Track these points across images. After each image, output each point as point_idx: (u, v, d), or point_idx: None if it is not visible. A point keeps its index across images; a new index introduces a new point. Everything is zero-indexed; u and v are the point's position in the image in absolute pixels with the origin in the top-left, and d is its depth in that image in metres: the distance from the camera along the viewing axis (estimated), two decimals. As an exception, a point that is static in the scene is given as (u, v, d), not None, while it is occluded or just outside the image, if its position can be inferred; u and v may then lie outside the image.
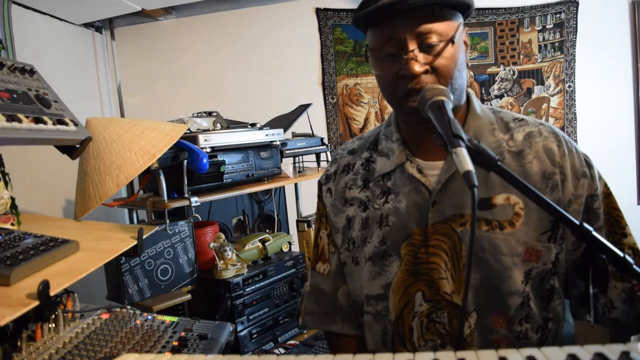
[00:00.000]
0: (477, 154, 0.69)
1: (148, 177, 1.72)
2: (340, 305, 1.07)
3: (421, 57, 0.84)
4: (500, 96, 2.82)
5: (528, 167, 0.89)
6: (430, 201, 0.90)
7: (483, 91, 2.83)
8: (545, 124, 0.94)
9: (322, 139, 2.31)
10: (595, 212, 0.89)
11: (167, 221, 1.67)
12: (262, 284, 1.82)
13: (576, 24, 2.72)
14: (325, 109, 2.96)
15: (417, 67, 0.84)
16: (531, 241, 0.86)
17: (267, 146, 1.97)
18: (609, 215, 0.90)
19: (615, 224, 0.89)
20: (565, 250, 0.89)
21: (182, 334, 1.12)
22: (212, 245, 1.79)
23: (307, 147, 2.25)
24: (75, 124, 1.10)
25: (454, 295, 0.88)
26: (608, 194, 0.91)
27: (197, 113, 1.90)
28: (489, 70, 2.82)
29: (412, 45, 0.84)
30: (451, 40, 0.84)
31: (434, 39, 0.84)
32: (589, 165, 0.90)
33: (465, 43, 0.90)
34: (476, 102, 0.96)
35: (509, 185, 0.75)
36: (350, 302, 1.05)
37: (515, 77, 2.81)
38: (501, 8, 2.78)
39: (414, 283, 0.92)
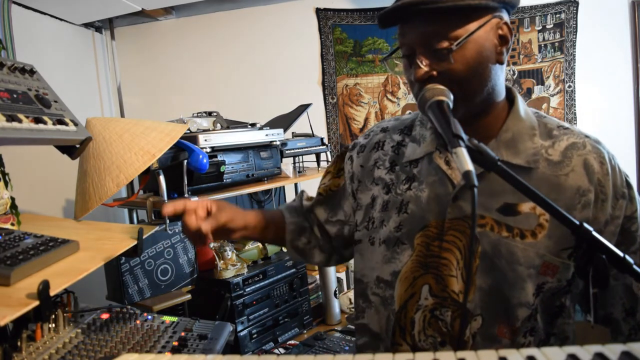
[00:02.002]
0: (477, 154, 0.69)
1: (148, 177, 1.72)
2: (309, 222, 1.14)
3: (428, 62, 0.83)
4: (500, 96, 2.82)
5: (562, 179, 0.85)
6: (452, 196, 0.88)
7: (483, 91, 2.83)
8: (591, 137, 0.90)
9: (322, 139, 2.31)
10: (632, 234, 0.87)
11: (167, 221, 1.67)
12: (262, 284, 1.82)
13: (576, 24, 2.72)
14: (325, 109, 2.96)
15: (422, 74, 0.83)
16: (550, 255, 0.84)
17: (267, 146, 1.97)
18: None
19: None
20: None
21: (182, 334, 1.12)
22: (212, 245, 1.78)
23: (307, 147, 2.24)
24: (75, 124, 1.10)
25: (461, 295, 0.87)
26: None
27: (197, 113, 1.90)
28: (489, 70, 2.82)
29: (420, 50, 0.83)
30: (459, 44, 0.80)
31: (441, 43, 0.81)
32: (629, 185, 0.88)
33: (502, 38, 0.85)
34: (521, 104, 0.93)
35: None
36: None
37: (515, 77, 2.81)
38: (501, 8, 2.77)
39: (422, 275, 0.90)
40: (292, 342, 1.85)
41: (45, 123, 0.99)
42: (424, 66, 0.83)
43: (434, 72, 0.83)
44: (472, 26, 0.81)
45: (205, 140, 1.72)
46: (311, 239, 1.14)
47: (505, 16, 0.86)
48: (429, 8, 0.80)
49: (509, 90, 0.93)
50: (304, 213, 1.16)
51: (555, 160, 0.87)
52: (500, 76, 0.87)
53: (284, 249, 2.00)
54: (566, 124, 0.93)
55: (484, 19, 0.82)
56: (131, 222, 1.92)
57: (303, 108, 2.39)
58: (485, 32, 0.83)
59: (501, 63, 0.86)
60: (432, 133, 0.95)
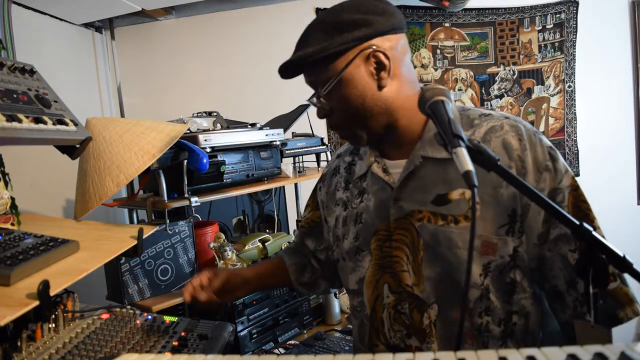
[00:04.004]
0: (477, 154, 0.70)
1: (148, 177, 1.72)
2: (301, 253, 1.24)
3: (320, 105, 0.96)
4: (500, 96, 2.82)
5: None
6: (392, 198, 0.95)
7: (483, 91, 2.83)
8: (511, 117, 0.93)
9: (322, 139, 2.31)
10: (559, 205, 0.87)
11: (167, 221, 1.67)
12: (262, 284, 1.82)
13: (576, 24, 2.72)
14: (325, 109, 2.96)
15: (319, 113, 0.97)
16: (487, 234, 0.87)
17: (267, 146, 1.97)
18: (578, 208, 0.88)
19: (584, 217, 0.87)
20: (530, 243, 0.88)
21: (182, 334, 1.12)
22: (212, 245, 1.79)
23: (307, 147, 2.24)
24: (75, 124, 1.10)
25: (414, 287, 0.92)
26: (576, 187, 0.89)
27: (197, 113, 1.90)
28: (489, 70, 2.82)
29: (313, 95, 0.97)
30: (326, 89, 0.91)
31: (319, 88, 0.93)
32: (553, 158, 0.89)
33: (379, 64, 0.90)
34: None
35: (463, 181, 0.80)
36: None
37: (515, 77, 2.81)
38: (501, 8, 2.78)
39: (382, 276, 0.97)
40: (292, 342, 1.85)
41: (45, 123, 0.99)
42: (318, 109, 0.97)
43: (326, 112, 0.96)
44: (338, 66, 0.90)
45: (205, 140, 1.72)
46: (313, 272, 1.23)
47: (385, 42, 0.90)
48: (299, 64, 0.93)
49: None
50: (300, 248, 1.25)
51: None
52: (393, 94, 0.92)
53: (283, 248, 2.01)
54: (488, 111, 0.97)
55: (350, 55, 0.89)
56: (131, 222, 1.92)
57: (303, 108, 2.39)
58: (356, 66, 0.90)
59: (382, 87, 0.91)
60: (370, 147, 1.03)
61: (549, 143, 0.91)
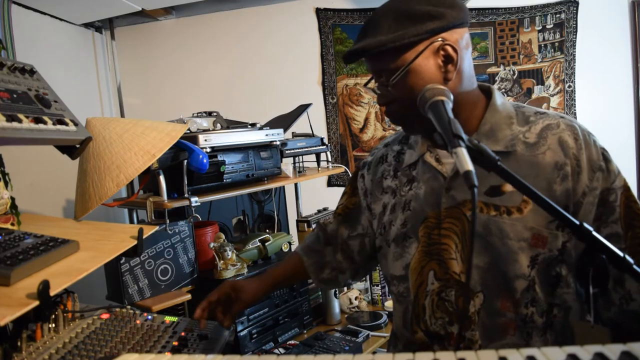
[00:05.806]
0: (477, 154, 0.70)
1: (148, 177, 1.72)
2: (323, 249, 1.26)
3: (381, 92, 0.97)
4: (500, 96, 2.82)
5: (540, 158, 0.91)
6: (445, 187, 0.96)
7: (483, 91, 2.83)
8: (566, 117, 0.96)
9: (322, 139, 2.31)
10: (611, 205, 0.90)
11: (167, 221, 1.67)
12: (262, 284, 1.81)
13: (576, 24, 2.72)
14: (325, 109, 2.96)
15: (380, 100, 0.98)
16: (538, 227, 0.89)
17: (267, 146, 1.97)
18: (629, 208, 0.90)
19: (636, 218, 0.90)
20: (576, 240, 0.90)
21: (182, 334, 1.12)
22: (212, 245, 1.78)
23: (307, 147, 2.24)
24: (75, 124, 1.10)
25: (462, 275, 0.93)
26: (627, 188, 0.92)
27: (197, 113, 1.90)
28: (489, 70, 2.82)
29: (376, 82, 0.98)
30: (395, 79, 0.91)
31: (384, 78, 0.94)
32: (606, 159, 0.92)
33: (447, 57, 0.91)
34: (498, 98, 1.00)
35: (521, 173, 0.84)
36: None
37: (515, 77, 2.81)
38: (501, 8, 2.78)
39: (428, 263, 0.98)
40: (292, 342, 1.85)
41: (45, 123, 0.99)
42: (379, 95, 0.98)
43: (388, 100, 0.96)
44: (409, 57, 0.90)
45: (205, 140, 1.72)
46: (332, 268, 1.25)
47: (453, 35, 0.91)
48: (369, 53, 0.92)
49: (487, 88, 1.02)
50: (329, 237, 1.26)
51: (531, 142, 0.93)
52: (456, 88, 0.93)
53: (284, 249, 2.01)
54: (543, 110, 0.99)
55: (421, 47, 0.90)
56: (131, 222, 1.92)
57: (303, 108, 2.39)
58: (425, 58, 0.91)
59: (448, 80, 0.92)
60: (422, 137, 1.04)
61: (602, 145, 0.94)
